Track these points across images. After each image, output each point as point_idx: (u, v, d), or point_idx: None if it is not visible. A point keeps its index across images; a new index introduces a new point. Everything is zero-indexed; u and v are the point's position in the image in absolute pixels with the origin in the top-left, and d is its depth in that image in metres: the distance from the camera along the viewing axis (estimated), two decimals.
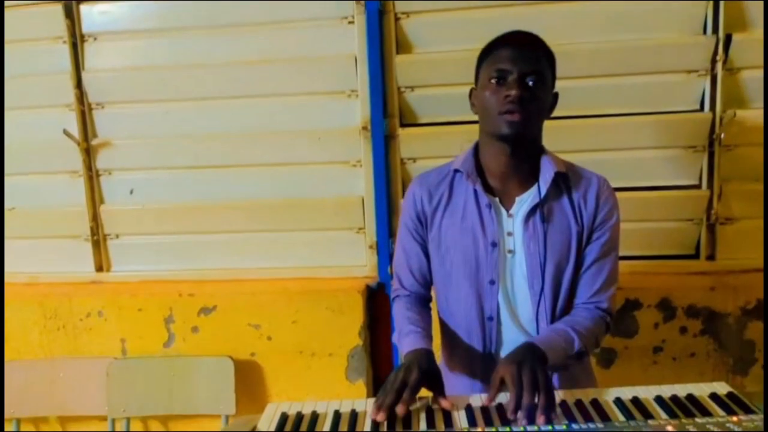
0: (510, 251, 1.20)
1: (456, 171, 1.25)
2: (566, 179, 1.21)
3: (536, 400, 0.99)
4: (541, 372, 1.02)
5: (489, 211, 1.20)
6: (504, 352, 1.23)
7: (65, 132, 1.97)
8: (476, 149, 1.26)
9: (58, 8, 1.96)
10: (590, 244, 1.21)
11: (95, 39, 2.00)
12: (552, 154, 1.23)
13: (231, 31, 1.94)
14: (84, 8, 1.98)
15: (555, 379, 1.22)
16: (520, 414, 0.98)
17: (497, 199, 1.21)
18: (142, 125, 2.02)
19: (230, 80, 1.96)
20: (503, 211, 1.21)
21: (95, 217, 2.08)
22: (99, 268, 2.11)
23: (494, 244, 1.19)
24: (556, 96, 1.22)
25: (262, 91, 1.96)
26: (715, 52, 1.75)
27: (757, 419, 0.93)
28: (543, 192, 1.18)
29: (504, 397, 1.06)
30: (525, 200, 1.20)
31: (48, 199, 2.09)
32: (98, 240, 2.09)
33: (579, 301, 1.23)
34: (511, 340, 1.23)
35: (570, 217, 1.20)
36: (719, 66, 1.76)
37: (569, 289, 1.21)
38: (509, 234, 1.20)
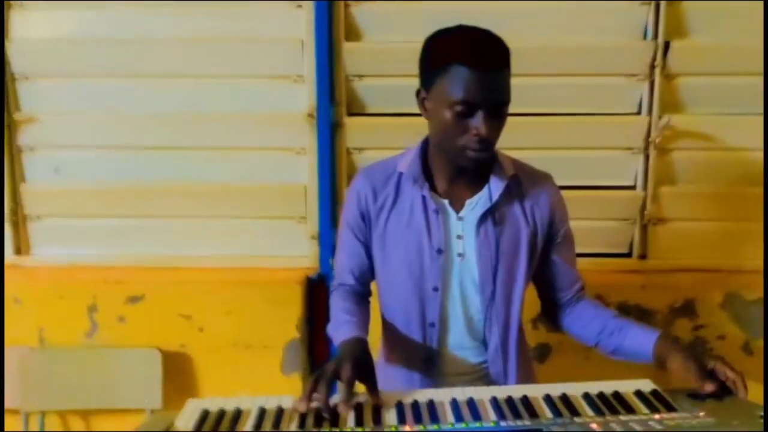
0: (460, 254, 1.18)
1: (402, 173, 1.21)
2: (517, 181, 1.20)
3: None
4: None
5: (436, 217, 1.17)
6: (449, 355, 1.23)
7: None
8: (423, 148, 1.21)
9: None
10: (558, 247, 1.24)
11: (22, 6, 1.87)
12: (502, 154, 1.21)
13: (173, 6, 1.85)
14: None
15: (512, 378, 1.23)
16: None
17: (446, 202, 1.18)
18: (71, 101, 1.90)
19: (169, 58, 1.87)
20: (452, 214, 1.18)
21: (15, 197, 1.94)
22: (17, 251, 1.97)
23: (440, 251, 1.17)
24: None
25: (203, 70, 1.88)
26: (654, 58, 1.81)
27: (678, 417, 0.95)
28: (495, 197, 1.16)
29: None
30: (475, 203, 1.18)
31: None
32: (17, 221, 1.95)
33: (567, 296, 1.27)
34: (456, 343, 1.22)
35: (521, 221, 1.19)
36: (657, 71, 1.82)
37: (521, 293, 1.21)
38: (459, 237, 1.18)
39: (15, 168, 1.93)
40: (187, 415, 1.00)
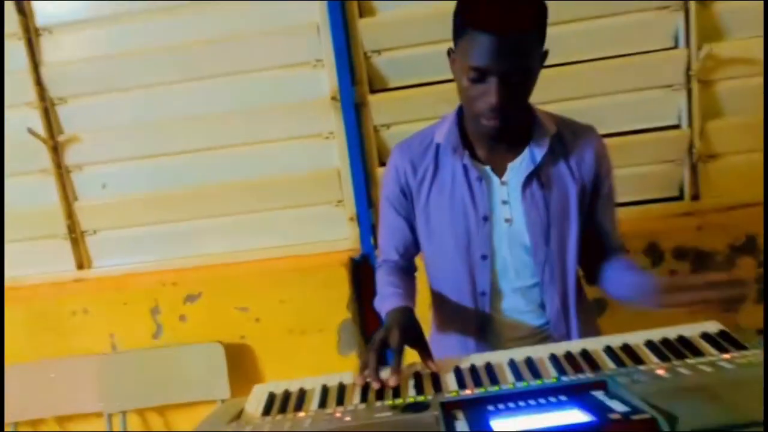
0: (507, 220, 1.15)
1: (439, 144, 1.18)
2: (561, 138, 1.15)
3: None
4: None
5: (480, 184, 1.14)
6: (505, 320, 1.21)
7: (30, 131, 1.93)
8: (459, 115, 1.18)
9: (10, 4, 1.91)
10: (602, 200, 1.18)
11: (50, 32, 1.95)
12: (542, 112, 1.16)
13: (189, 10, 1.89)
14: (36, 2, 1.92)
15: (576, 338, 1.20)
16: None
17: (488, 168, 1.15)
18: (107, 116, 1.98)
19: (192, 62, 1.91)
20: (495, 179, 1.15)
21: (70, 215, 2.04)
22: (80, 266, 2.08)
23: (485, 218, 1.14)
24: (545, 55, 1.08)
25: (226, 69, 1.91)
26: None
27: (750, 355, 0.90)
28: (538, 159, 1.12)
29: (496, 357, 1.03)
30: (518, 166, 1.14)
31: (20, 200, 2.04)
32: (76, 237, 2.06)
33: (606, 254, 1.21)
34: (512, 308, 1.21)
35: (568, 179, 1.14)
36: None
37: (575, 253, 1.17)
38: (504, 203, 1.14)
39: (66, 188, 2.03)
40: (255, 399, 1.04)
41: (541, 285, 1.17)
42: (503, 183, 1.15)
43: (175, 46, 1.91)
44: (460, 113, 1.17)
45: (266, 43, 1.88)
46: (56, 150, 2.00)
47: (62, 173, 2.02)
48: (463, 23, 1.01)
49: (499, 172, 1.15)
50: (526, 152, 1.14)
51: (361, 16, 1.83)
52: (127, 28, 1.92)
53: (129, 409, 1.95)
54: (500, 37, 0.96)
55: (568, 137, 1.16)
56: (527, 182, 1.13)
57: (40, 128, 1.97)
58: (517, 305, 1.20)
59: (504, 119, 1.04)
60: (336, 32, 1.80)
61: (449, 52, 1.11)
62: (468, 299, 1.20)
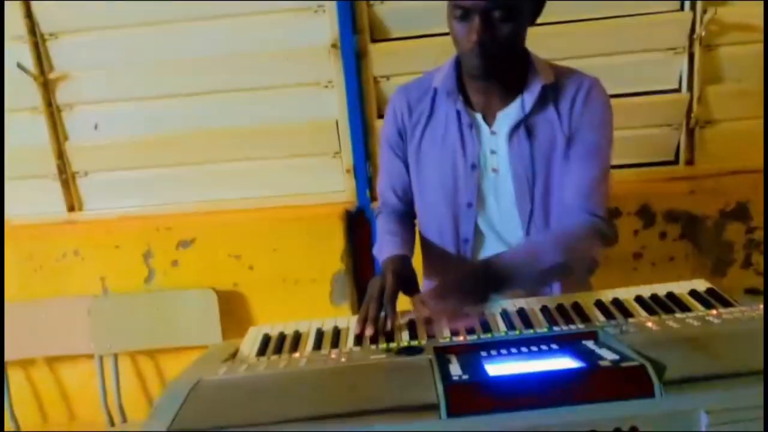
0: (494, 170, 1.15)
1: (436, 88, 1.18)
2: (555, 88, 1.13)
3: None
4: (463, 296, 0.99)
5: (470, 131, 1.14)
6: None
7: (19, 65, 1.87)
8: (457, 61, 1.17)
9: None
10: (575, 144, 1.11)
11: None
12: (540, 61, 1.15)
13: None
14: None
15: (557, 290, 1.20)
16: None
17: (479, 116, 1.15)
18: (101, 55, 1.92)
19: (191, 2, 1.84)
20: (485, 128, 1.15)
21: (61, 155, 2.01)
22: (71, 208, 2.06)
23: (473, 166, 1.15)
24: (540, 3, 1.08)
25: (226, 11, 1.85)
26: None
27: (736, 311, 0.93)
28: (528, 108, 1.11)
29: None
30: (508, 115, 1.13)
31: (9, 138, 1.98)
32: (66, 179, 2.03)
33: (566, 202, 1.13)
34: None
35: (557, 129, 1.12)
36: None
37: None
38: (492, 152, 1.15)
39: (57, 127, 1.99)
40: (250, 340, 1.07)
41: (527, 235, 1.18)
42: (493, 132, 1.15)
43: None
44: (459, 60, 1.17)
45: None
46: (47, 87, 1.94)
47: (53, 112, 1.97)
48: None
49: (491, 120, 1.15)
50: (517, 101, 1.13)
51: None
52: None
53: (120, 351, 1.96)
54: None
55: (563, 86, 1.13)
56: (514, 131, 1.13)
57: (30, 64, 1.91)
58: None
59: (487, 57, 1.04)
60: None
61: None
62: (451, 245, 1.22)
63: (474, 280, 1.01)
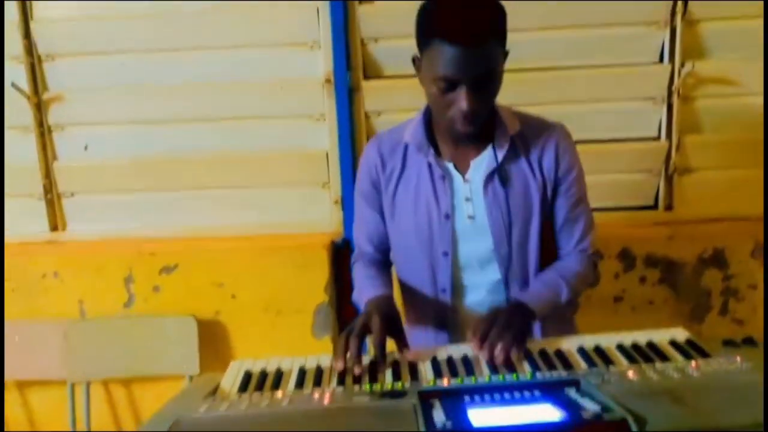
0: (470, 217, 1.18)
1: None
2: (523, 136, 1.18)
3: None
4: (517, 322, 1.04)
5: (443, 182, 1.17)
6: (469, 316, 1.23)
7: (14, 85, 1.87)
8: (426, 114, 1.21)
9: None
10: (559, 199, 1.20)
11: None
12: (506, 110, 1.19)
13: None
14: None
15: (537, 330, 1.22)
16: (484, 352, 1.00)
17: (451, 165, 1.18)
18: (96, 78, 1.94)
19: (188, 30, 1.88)
20: (458, 177, 1.18)
21: (48, 175, 1.99)
22: (54, 228, 2.04)
23: (447, 216, 1.18)
24: (506, 54, 1.10)
25: (222, 42, 1.89)
26: (675, 3, 1.75)
27: (713, 363, 0.95)
28: (500, 157, 1.15)
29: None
30: (481, 164, 1.17)
31: None
32: (52, 198, 2.01)
33: (563, 252, 1.24)
34: (477, 303, 1.23)
35: (529, 176, 1.17)
36: (678, 17, 1.76)
37: (538, 247, 1.20)
38: (467, 200, 1.18)
39: (47, 147, 1.98)
40: (232, 376, 1.05)
41: (505, 281, 1.20)
42: (466, 180, 1.18)
43: (169, 11, 1.87)
44: (427, 113, 1.21)
45: (264, 18, 1.86)
46: (39, 107, 1.94)
47: (44, 131, 1.97)
48: (429, 34, 1.04)
49: (463, 169, 1.18)
50: (488, 150, 1.17)
51: (361, 2, 1.82)
52: None
53: (93, 378, 1.92)
54: (466, 48, 1.00)
55: (530, 135, 1.18)
56: (489, 180, 1.16)
57: (25, 84, 1.91)
58: (482, 300, 1.23)
59: (476, 122, 1.08)
60: (335, 16, 1.80)
61: (414, 60, 1.13)
62: (430, 294, 1.24)
63: (521, 317, 1.07)
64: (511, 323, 1.03)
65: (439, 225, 1.18)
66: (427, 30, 1.04)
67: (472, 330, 1.05)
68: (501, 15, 1.06)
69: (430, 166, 1.18)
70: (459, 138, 1.15)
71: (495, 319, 1.04)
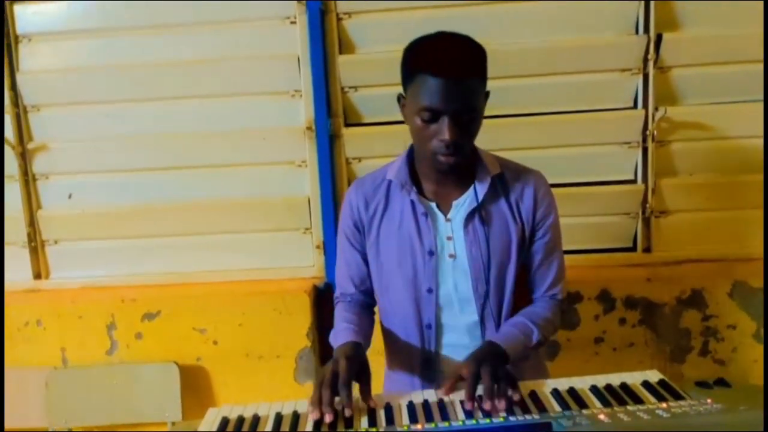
0: (451, 255, 1.20)
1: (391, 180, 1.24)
2: (503, 179, 1.22)
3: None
4: (501, 369, 1.05)
5: (426, 220, 1.20)
6: (448, 356, 1.25)
7: None
8: (410, 153, 1.24)
9: None
10: (534, 244, 1.23)
11: (30, 40, 1.95)
12: (486, 154, 1.23)
13: (171, 31, 1.92)
14: (18, 8, 1.93)
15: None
16: (474, 405, 1.00)
17: (434, 205, 1.21)
18: (80, 128, 1.98)
19: (171, 81, 1.93)
20: (441, 216, 1.21)
21: (32, 223, 2.02)
22: (37, 275, 2.05)
23: (431, 253, 1.20)
24: (487, 94, 1.15)
25: (205, 91, 1.94)
26: (647, 51, 1.82)
27: (685, 405, 0.96)
28: (480, 197, 1.18)
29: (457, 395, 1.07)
30: (462, 204, 1.20)
31: None
32: (36, 246, 2.03)
33: (535, 296, 1.27)
34: (455, 343, 1.24)
35: (509, 218, 1.20)
36: (651, 64, 1.83)
37: (513, 289, 1.22)
38: (449, 238, 1.20)
39: (31, 195, 2.01)
40: (208, 423, 1.05)
41: (481, 321, 1.22)
42: (448, 219, 1.21)
43: (155, 63, 1.93)
44: (411, 153, 1.24)
45: (246, 68, 1.92)
46: (24, 156, 1.98)
47: (28, 180, 2.00)
48: (414, 68, 1.09)
49: (445, 209, 1.21)
50: (470, 190, 1.19)
51: (341, 52, 1.88)
52: (106, 42, 1.93)
53: (75, 426, 1.89)
54: (449, 80, 1.05)
55: (510, 178, 1.23)
56: (469, 218, 1.19)
57: (11, 134, 1.95)
58: (461, 341, 1.24)
59: (457, 155, 1.11)
60: (315, 65, 1.85)
61: (399, 99, 1.18)
62: (415, 332, 1.24)
63: (500, 359, 1.09)
64: (497, 371, 1.05)
65: (423, 261, 1.20)
66: (413, 65, 1.10)
67: (453, 383, 1.07)
68: (483, 55, 1.11)
69: (413, 203, 1.21)
70: (442, 172, 1.17)
71: (478, 373, 1.04)
